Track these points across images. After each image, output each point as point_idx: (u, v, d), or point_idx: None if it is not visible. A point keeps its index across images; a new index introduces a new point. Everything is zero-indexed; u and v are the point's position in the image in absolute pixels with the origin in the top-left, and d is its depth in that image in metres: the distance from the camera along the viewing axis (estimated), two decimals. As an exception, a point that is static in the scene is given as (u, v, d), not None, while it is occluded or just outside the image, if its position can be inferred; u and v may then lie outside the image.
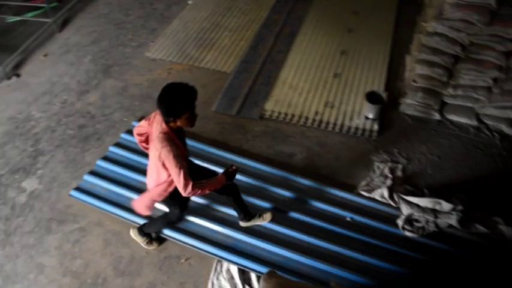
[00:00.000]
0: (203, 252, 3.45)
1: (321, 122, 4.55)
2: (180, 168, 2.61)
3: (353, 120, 4.57)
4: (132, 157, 4.12)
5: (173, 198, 2.95)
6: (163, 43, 5.75)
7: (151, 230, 3.52)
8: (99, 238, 3.65)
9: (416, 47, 4.64)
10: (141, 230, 3.51)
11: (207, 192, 2.81)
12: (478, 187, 3.99)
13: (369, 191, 3.89)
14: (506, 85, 4.28)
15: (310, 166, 4.14)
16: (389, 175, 4.01)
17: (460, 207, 3.66)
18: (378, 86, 4.96)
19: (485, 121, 4.59)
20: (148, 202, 2.99)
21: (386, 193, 3.83)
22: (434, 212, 3.67)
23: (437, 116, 4.63)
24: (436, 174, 4.11)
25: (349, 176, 4.07)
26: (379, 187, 3.90)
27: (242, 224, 3.59)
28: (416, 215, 3.65)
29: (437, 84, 4.52)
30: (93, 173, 4.01)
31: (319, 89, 4.95)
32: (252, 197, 3.75)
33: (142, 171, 3.96)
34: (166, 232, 3.55)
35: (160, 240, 3.59)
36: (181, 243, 3.50)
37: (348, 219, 3.69)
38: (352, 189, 3.94)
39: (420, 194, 3.84)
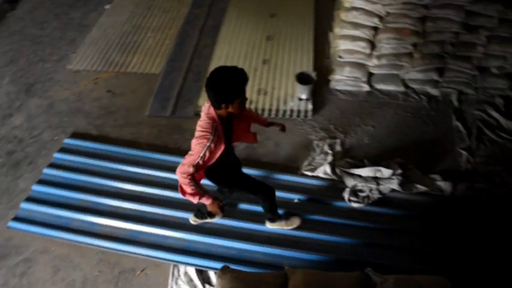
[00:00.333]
0: (158, 260, 3.39)
1: (256, 110, 4.57)
2: (197, 156, 2.47)
3: (287, 104, 4.63)
4: (69, 176, 3.95)
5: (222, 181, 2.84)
6: (85, 53, 5.54)
7: (270, 212, 3.41)
8: (46, 266, 3.49)
9: (337, 24, 4.73)
10: (273, 218, 3.44)
11: (187, 195, 2.68)
12: (413, 148, 4.18)
13: (312, 170, 3.96)
14: (425, 49, 4.48)
15: (252, 155, 4.16)
16: (329, 151, 4.11)
17: (399, 171, 3.81)
18: (307, 66, 5.04)
19: (411, 85, 4.79)
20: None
21: (328, 169, 3.91)
22: (376, 179, 3.81)
23: (366, 88, 4.78)
24: (373, 143, 4.25)
25: (291, 159, 4.12)
26: (321, 165, 3.98)
27: (192, 220, 3.55)
28: (360, 185, 3.77)
29: (362, 57, 4.65)
30: (30, 199, 3.82)
31: (249, 77, 4.93)
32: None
33: (82, 189, 3.84)
34: (116, 246, 3.45)
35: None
36: (133, 254, 3.42)
37: (296, 200, 3.75)
38: (295, 171, 4.00)
39: (361, 165, 3.95)
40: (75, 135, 4.44)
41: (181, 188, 2.68)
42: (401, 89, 4.77)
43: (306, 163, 4.06)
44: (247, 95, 4.63)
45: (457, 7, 4.19)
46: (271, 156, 4.15)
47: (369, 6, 4.36)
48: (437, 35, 4.39)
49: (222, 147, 2.58)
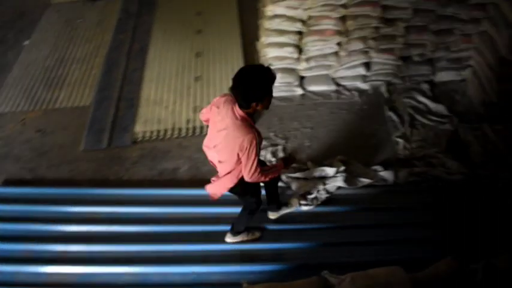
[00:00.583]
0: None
1: (194, 128, 4.52)
2: (255, 156, 2.60)
3: (225, 118, 4.61)
4: (6, 227, 3.67)
5: (246, 187, 2.92)
6: (8, 94, 5.26)
7: (242, 226, 3.41)
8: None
9: (263, 32, 4.78)
10: (234, 232, 3.43)
11: (267, 179, 2.83)
12: (352, 144, 4.29)
13: (259, 181, 3.96)
14: (350, 46, 4.61)
15: (196, 175, 4.10)
16: (273, 159, 4.13)
17: (342, 168, 3.90)
18: (239, 77, 5.04)
19: (342, 83, 4.93)
20: (221, 189, 2.95)
21: (275, 177, 3.93)
22: (322, 179, 3.87)
23: (300, 91, 4.86)
24: (313, 145, 4.32)
25: (236, 173, 4.10)
26: (267, 174, 3.99)
27: (271, 216, 3.62)
28: (307, 187, 3.81)
29: (291, 62, 4.73)
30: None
31: (184, 96, 4.91)
32: (146, 225, 3.65)
33: (23, 239, 3.60)
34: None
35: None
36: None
37: (248, 213, 3.73)
38: (242, 184, 3.98)
39: (305, 168, 4.00)
40: (8, 183, 4.19)
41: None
42: (333, 87, 4.89)
43: (251, 175, 4.06)
44: (183, 114, 4.62)
45: (373, 3, 4.35)
46: (216, 172, 4.11)
47: (290, 12, 4.44)
48: (359, 32, 4.53)
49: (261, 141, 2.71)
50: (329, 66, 4.80)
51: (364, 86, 4.92)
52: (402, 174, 3.95)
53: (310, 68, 4.79)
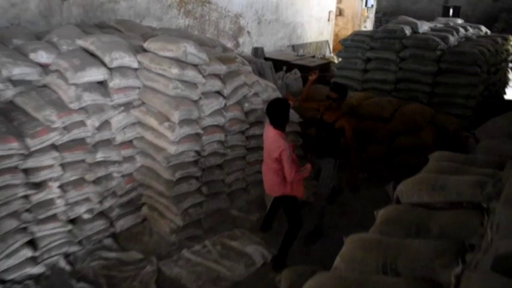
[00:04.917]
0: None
1: None
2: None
3: None
4: None
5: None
6: None
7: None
8: None
9: None
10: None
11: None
12: None
13: None
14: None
15: None
16: None
17: None
18: None
19: (9, 277, 3.73)
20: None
21: None
22: None
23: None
24: None
25: None
26: None
27: None
28: None
29: None
30: None
31: None
32: None
33: None
34: None
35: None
36: None
37: None
38: None
39: None
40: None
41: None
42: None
43: None
44: None
45: (12, 169, 3.65)
46: None
47: None
48: (6, 208, 3.64)
49: None
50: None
51: (37, 269, 3.89)
52: None
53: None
